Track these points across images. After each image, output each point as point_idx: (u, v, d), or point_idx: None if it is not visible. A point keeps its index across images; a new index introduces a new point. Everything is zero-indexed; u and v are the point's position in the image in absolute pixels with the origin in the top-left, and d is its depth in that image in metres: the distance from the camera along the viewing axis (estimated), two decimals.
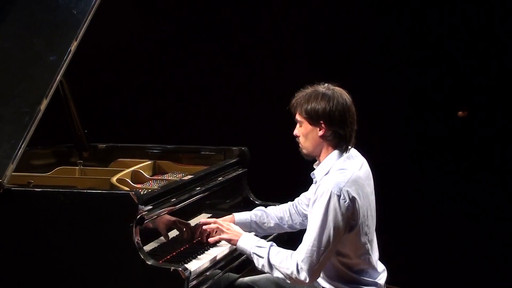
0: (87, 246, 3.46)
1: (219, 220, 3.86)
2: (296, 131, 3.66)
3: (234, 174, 4.43)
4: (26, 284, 3.53)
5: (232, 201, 4.44)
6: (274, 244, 3.65)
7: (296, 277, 3.51)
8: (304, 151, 3.66)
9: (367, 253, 3.61)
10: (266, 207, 4.07)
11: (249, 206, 4.47)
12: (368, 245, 3.61)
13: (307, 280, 3.50)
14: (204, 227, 3.82)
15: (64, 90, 4.43)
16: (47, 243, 3.50)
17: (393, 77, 5.63)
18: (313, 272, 3.50)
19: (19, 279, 3.53)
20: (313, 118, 3.56)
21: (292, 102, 3.64)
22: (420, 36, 5.54)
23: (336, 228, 3.47)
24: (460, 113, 5.46)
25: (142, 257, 3.40)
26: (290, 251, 3.58)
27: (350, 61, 5.71)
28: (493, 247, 5.42)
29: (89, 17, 3.91)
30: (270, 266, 3.57)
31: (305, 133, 3.61)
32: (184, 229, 3.84)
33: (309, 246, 3.49)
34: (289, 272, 3.52)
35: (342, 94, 3.58)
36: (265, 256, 3.57)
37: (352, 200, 3.49)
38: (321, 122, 3.56)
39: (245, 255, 3.76)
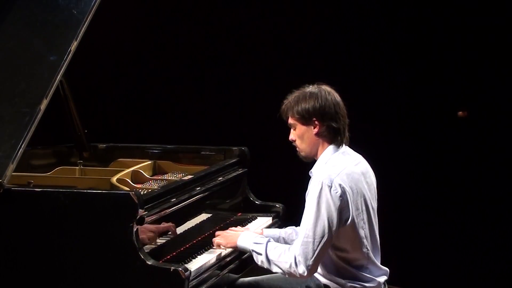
0: (87, 246, 3.46)
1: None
2: (291, 136, 3.69)
3: (234, 174, 4.43)
4: (27, 284, 3.53)
5: (232, 201, 4.43)
6: (272, 239, 3.67)
7: (294, 271, 3.52)
8: (302, 153, 3.68)
9: (365, 247, 3.61)
10: (296, 226, 4.06)
11: (249, 206, 4.47)
12: (366, 240, 3.61)
13: (305, 273, 3.51)
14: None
15: (64, 90, 4.43)
16: (47, 243, 3.50)
17: (393, 77, 5.63)
18: (310, 264, 3.50)
19: (19, 279, 3.53)
20: (305, 118, 3.60)
21: (282, 108, 3.68)
22: (420, 36, 5.53)
23: (330, 219, 3.48)
24: (460, 113, 5.45)
25: (142, 257, 3.40)
26: (287, 246, 3.61)
27: (350, 61, 5.71)
28: (493, 247, 5.41)
29: (89, 17, 3.91)
30: (269, 261, 3.59)
31: (300, 135, 3.64)
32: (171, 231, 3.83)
33: (304, 238, 3.51)
34: (287, 266, 3.53)
35: (329, 91, 3.63)
36: (263, 252, 3.60)
37: (344, 191, 3.50)
38: (314, 119, 3.60)
39: (246, 254, 3.79)
